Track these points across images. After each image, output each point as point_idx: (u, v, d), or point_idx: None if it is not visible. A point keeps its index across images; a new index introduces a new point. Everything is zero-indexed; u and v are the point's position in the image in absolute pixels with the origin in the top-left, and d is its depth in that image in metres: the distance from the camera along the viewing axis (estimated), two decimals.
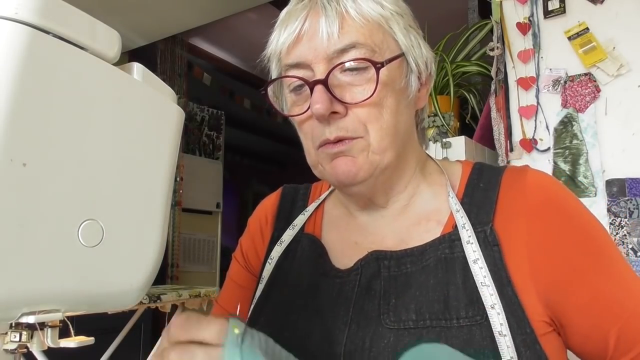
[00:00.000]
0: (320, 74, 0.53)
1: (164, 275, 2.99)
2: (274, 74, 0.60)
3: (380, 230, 0.61)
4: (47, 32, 0.31)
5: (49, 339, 0.32)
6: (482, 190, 0.58)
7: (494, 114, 1.56)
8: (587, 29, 1.44)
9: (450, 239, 0.55)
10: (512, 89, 1.54)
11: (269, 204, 0.73)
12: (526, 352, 0.47)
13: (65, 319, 0.32)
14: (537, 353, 0.47)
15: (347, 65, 0.53)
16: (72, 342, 0.32)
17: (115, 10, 2.51)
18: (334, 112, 0.53)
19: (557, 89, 1.47)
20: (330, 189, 0.71)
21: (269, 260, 0.65)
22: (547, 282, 0.51)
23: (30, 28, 0.30)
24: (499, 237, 0.53)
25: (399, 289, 0.54)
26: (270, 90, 0.60)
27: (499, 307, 0.49)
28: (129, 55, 2.92)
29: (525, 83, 1.51)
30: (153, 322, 2.63)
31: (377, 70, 0.52)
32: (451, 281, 0.52)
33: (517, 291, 0.50)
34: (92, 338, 0.32)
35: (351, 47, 0.53)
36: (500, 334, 0.47)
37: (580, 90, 1.44)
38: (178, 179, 3.13)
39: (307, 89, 0.54)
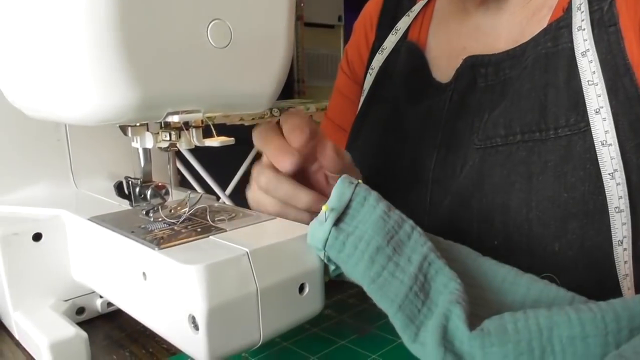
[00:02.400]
0: None
1: (292, 90, 3.13)
2: None
3: (495, 31, 0.51)
4: None
5: (195, 138, 0.35)
6: None
7: None
8: None
9: (557, 27, 0.44)
10: None
11: (373, 4, 0.65)
12: (638, 160, 0.39)
13: (207, 120, 0.34)
14: None
15: None
16: (215, 141, 0.34)
17: None
18: None
19: None
20: None
21: (370, 70, 0.60)
22: None
23: None
24: (618, 14, 0.41)
25: (495, 101, 0.46)
26: None
27: (605, 111, 0.39)
28: None
29: None
30: None
31: None
32: (551, 82, 0.43)
33: (637, 79, 0.40)
34: (233, 138, 0.34)
35: None
36: (603, 144, 0.39)
37: None
38: None
39: None
